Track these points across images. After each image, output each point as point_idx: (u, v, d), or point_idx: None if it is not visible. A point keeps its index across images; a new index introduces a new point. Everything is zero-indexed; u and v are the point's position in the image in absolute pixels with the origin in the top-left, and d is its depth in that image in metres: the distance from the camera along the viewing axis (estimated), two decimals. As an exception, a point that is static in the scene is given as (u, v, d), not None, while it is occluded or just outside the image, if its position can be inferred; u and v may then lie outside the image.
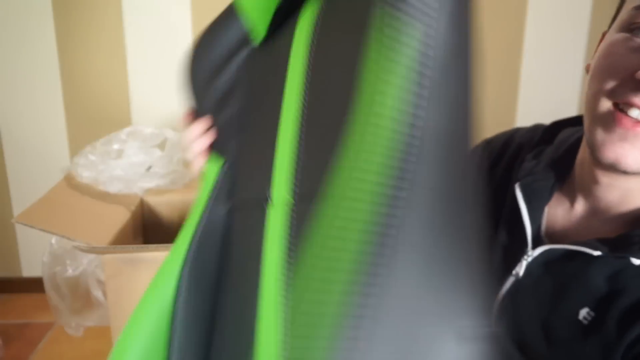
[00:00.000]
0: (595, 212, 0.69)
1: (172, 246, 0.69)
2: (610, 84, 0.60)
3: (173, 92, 1.94)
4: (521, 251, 0.71)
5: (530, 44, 1.97)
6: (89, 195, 1.53)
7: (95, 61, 1.96)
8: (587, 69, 0.68)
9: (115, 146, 1.63)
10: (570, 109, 2.07)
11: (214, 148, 0.74)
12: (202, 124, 0.74)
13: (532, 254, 0.69)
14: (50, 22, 1.92)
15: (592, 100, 0.63)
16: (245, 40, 0.74)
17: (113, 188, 1.55)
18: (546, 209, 0.72)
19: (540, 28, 1.96)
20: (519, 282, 0.70)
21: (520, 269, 0.70)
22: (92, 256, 1.68)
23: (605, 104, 0.60)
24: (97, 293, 1.70)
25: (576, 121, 0.76)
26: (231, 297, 0.67)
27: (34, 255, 2.10)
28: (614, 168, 0.60)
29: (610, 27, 0.67)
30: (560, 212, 0.72)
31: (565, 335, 0.65)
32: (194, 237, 0.69)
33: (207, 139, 0.73)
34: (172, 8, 1.91)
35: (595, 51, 0.68)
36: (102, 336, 1.58)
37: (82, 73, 1.97)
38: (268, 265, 0.56)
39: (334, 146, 0.51)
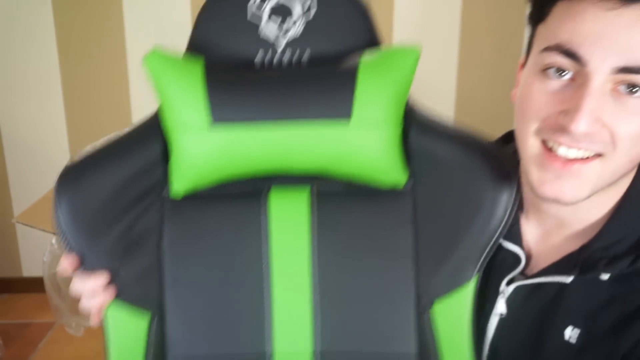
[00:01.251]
0: (557, 228, 0.70)
1: None
2: (534, 125, 0.62)
3: (173, 92, 1.94)
4: (495, 290, 0.72)
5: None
6: (89, 195, 1.52)
7: (96, 61, 1.96)
8: (512, 98, 0.69)
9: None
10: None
11: (125, 298, 0.71)
12: (102, 276, 0.70)
13: (508, 290, 0.71)
14: (50, 22, 1.92)
15: (522, 140, 0.64)
16: (157, 185, 0.72)
17: (113, 188, 1.55)
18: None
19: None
20: (503, 319, 0.72)
21: (502, 308, 0.71)
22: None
23: (535, 143, 0.62)
24: (98, 293, 1.70)
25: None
26: None
27: (34, 255, 2.10)
28: (556, 203, 0.62)
29: (526, 57, 0.67)
30: (526, 236, 0.73)
31: (558, 359, 0.66)
32: None
33: (111, 294, 0.70)
34: (172, 8, 1.91)
35: (517, 80, 0.69)
36: (103, 336, 1.57)
37: (83, 73, 1.97)
38: None
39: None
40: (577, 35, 0.57)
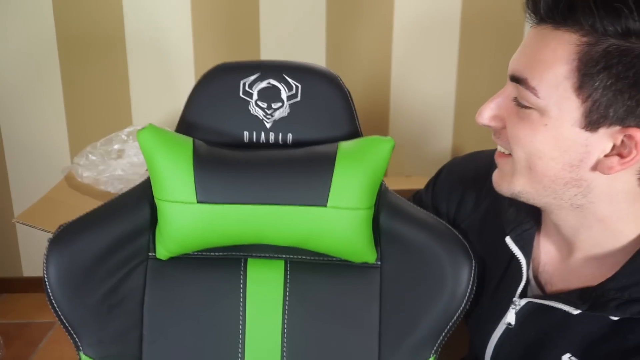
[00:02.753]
0: (568, 248, 0.72)
1: None
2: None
3: (173, 92, 1.94)
4: (508, 299, 0.74)
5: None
6: (90, 195, 1.53)
7: (96, 61, 1.96)
8: None
9: (116, 146, 1.63)
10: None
11: (95, 356, 0.76)
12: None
13: (520, 303, 0.72)
14: (51, 22, 1.92)
15: None
16: (144, 247, 0.78)
17: (113, 188, 1.55)
18: (534, 253, 0.76)
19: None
20: (509, 329, 0.74)
21: (512, 318, 0.73)
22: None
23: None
24: (98, 293, 1.70)
25: None
26: None
27: (34, 255, 2.10)
28: (499, 191, 0.71)
29: None
30: (546, 255, 0.75)
31: None
32: None
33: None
34: (172, 8, 1.91)
35: None
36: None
37: (83, 73, 1.97)
38: None
39: None
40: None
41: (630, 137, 0.60)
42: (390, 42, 1.94)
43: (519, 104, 0.64)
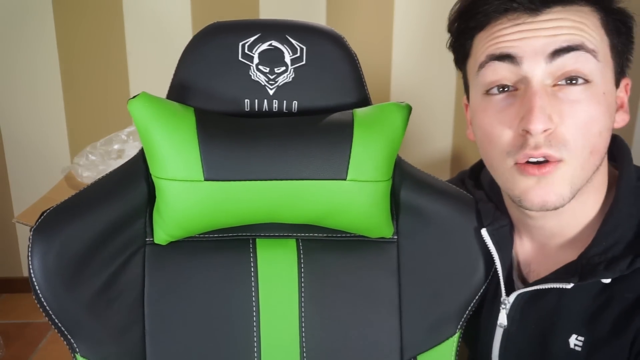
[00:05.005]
0: (548, 239, 0.71)
1: None
2: (504, 147, 0.63)
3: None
4: (497, 302, 0.73)
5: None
6: (89, 195, 1.53)
7: (96, 61, 1.96)
8: (469, 137, 0.72)
9: (116, 146, 1.63)
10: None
11: (94, 358, 0.67)
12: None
13: (509, 300, 0.71)
14: (50, 22, 1.92)
15: (496, 166, 0.66)
16: (141, 232, 0.70)
17: (113, 188, 1.55)
18: (513, 252, 0.75)
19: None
20: (507, 331, 0.72)
21: (503, 319, 0.72)
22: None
23: (510, 162, 0.63)
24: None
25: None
26: None
27: (34, 255, 2.09)
28: (544, 209, 0.63)
29: (467, 96, 0.71)
30: (521, 249, 0.74)
31: None
32: None
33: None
34: (172, 7, 1.91)
35: (468, 120, 0.73)
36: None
37: (83, 73, 1.97)
38: None
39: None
40: (504, 43, 0.61)
41: (627, 86, 0.66)
42: (390, 43, 1.93)
43: (571, 82, 0.60)
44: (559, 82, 0.60)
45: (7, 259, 2.16)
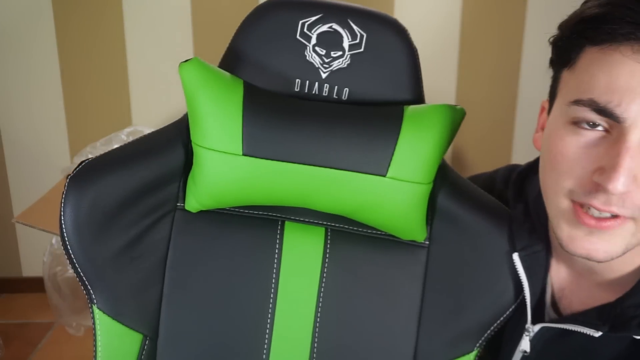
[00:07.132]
0: (588, 272, 0.67)
1: None
2: (567, 184, 0.58)
3: (173, 92, 1.94)
4: (522, 324, 0.69)
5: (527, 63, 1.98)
6: (89, 195, 1.53)
7: (96, 61, 1.96)
8: (535, 143, 0.66)
9: (115, 146, 1.63)
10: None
11: (118, 313, 0.68)
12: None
13: (533, 329, 0.68)
14: (50, 22, 1.92)
15: (552, 195, 0.61)
16: (173, 196, 0.70)
17: (113, 188, 1.55)
18: (549, 276, 0.70)
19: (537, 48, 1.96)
20: (527, 357, 0.69)
21: (526, 345, 0.68)
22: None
23: (565, 202, 0.58)
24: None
25: (536, 165, 0.72)
26: None
27: (34, 255, 2.10)
28: (587, 259, 0.59)
29: (550, 102, 0.64)
30: (556, 274, 0.70)
31: None
32: None
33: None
34: (172, 8, 1.91)
35: (538, 123, 0.67)
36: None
37: (83, 73, 1.97)
38: None
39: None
40: (612, 93, 0.53)
41: None
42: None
43: None
44: None
45: (7, 259, 2.16)
